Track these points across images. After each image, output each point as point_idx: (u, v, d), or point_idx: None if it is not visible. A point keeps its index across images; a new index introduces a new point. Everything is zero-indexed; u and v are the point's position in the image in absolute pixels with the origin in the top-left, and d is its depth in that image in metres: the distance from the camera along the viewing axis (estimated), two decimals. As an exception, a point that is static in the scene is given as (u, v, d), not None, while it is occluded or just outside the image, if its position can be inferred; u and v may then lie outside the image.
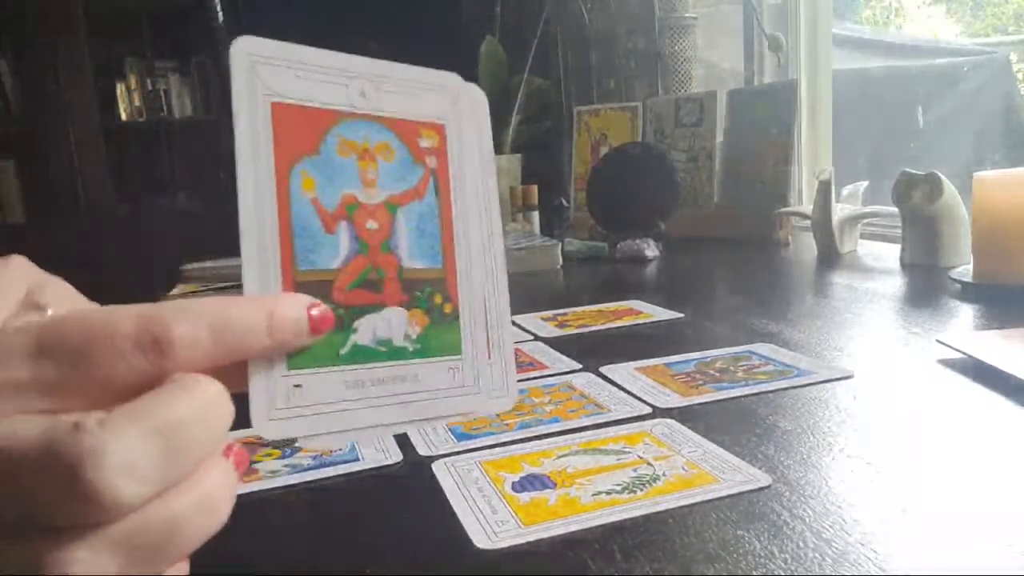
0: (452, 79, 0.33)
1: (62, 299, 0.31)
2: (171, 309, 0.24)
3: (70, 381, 0.23)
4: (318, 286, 0.28)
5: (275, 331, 0.26)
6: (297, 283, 0.28)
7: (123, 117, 3.12)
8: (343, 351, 0.29)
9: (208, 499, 0.24)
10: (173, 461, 0.22)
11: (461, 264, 0.33)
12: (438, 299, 0.32)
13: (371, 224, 0.30)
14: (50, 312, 0.28)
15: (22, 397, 0.22)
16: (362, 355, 0.29)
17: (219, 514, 0.24)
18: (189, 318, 0.24)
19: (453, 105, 0.33)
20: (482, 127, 0.34)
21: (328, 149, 0.29)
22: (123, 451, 0.21)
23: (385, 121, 0.31)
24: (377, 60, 0.31)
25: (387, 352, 0.30)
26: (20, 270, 0.33)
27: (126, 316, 0.23)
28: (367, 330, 0.30)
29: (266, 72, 0.28)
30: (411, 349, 0.31)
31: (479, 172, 0.34)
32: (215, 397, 0.24)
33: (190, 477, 0.23)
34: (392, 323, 0.30)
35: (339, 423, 0.29)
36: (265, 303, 0.26)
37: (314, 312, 0.27)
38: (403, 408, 0.30)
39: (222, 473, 0.24)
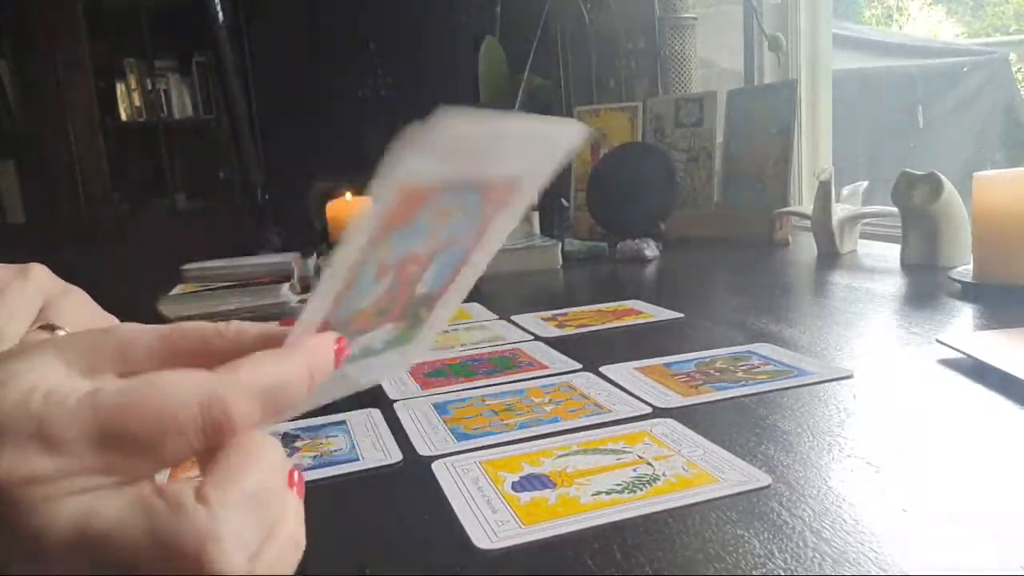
0: (575, 131, 0.30)
1: (77, 314, 0.31)
2: (229, 387, 0.24)
3: (138, 468, 0.23)
4: (342, 324, 0.28)
5: (312, 386, 0.27)
6: (332, 322, 0.28)
7: (123, 117, 3.13)
8: None
9: (291, 539, 0.25)
10: (265, 521, 0.24)
11: (456, 282, 0.33)
12: (424, 313, 0.32)
13: (412, 269, 0.30)
14: (62, 333, 0.28)
15: (87, 479, 0.22)
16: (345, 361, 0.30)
17: (301, 547, 0.26)
18: (247, 394, 0.24)
19: (548, 159, 0.30)
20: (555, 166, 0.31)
21: (418, 220, 0.27)
22: (234, 528, 0.23)
23: (478, 186, 0.29)
24: (540, 120, 0.28)
25: (362, 353, 0.31)
26: (38, 281, 0.33)
27: (187, 402, 0.23)
28: (358, 347, 0.30)
29: (414, 160, 0.25)
30: (382, 347, 0.32)
31: (522, 205, 0.32)
32: (273, 448, 0.25)
33: (274, 527, 0.25)
34: (379, 335, 0.31)
35: (314, 401, 0.29)
36: (306, 361, 0.27)
37: (336, 348, 0.28)
38: (361, 376, 0.31)
39: (295, 511, 0.26)
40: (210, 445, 0.24)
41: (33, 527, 0.21)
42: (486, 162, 0.28)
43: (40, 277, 0.33)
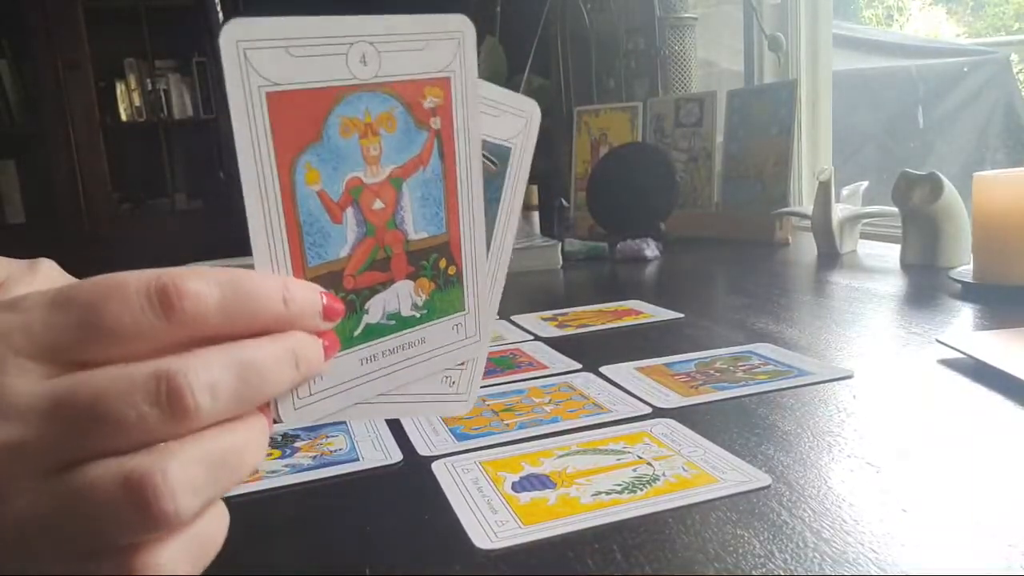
0: (457, 22, 0.31)
1: None
2: (183, 269, 0.25)
3: (83, 335, 0.24)
4: (329, 278, 0.29)
5: (290, 301, 0.26)
6: (308, 279, 0.28)
7: (123, 117, 3.12)
8: (356, 333, 0.30)
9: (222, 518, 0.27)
10: (219, 483, 0.25)
11: (464, 224, 0.32)
12: (443, 264, 0.32)
13: (377, 204, 0.30)
14: None
15: (33, 343, 0.24)
16: (374, 332, 0.30)
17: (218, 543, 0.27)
18: (201, 276, 0.25)
19: (458, 51, 0.31)
20: (472, 62, 0.32)
21: (330, 133, 0.28)
22: (190, 469, 0.24)
23: (387, 88, 0.29)
24: (377, 17, 0.29)
25: (396, 324, 0.31)
26: (47, 275, 0.33)
27: (138, 274, 0.24)
28: (377, 309, 0.30)
29: (259, 58, 0.26)
30: (418, 316, 0.32)
31: (476, 116, 0.32)
32: (257, 433, 0.26)
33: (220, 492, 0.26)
34: (400, 296, 0.31)
35: (356, 396, 0.29)
36: (280, 277, 0.27)
37: (326, 300, 0.28)
38: (411, 370, 0.31)
39: (218, 518, 0.26)
40: (158, 323, 0.24)
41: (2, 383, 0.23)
42: (366, 58, 0.28)
43: (49, 272, 0.34)
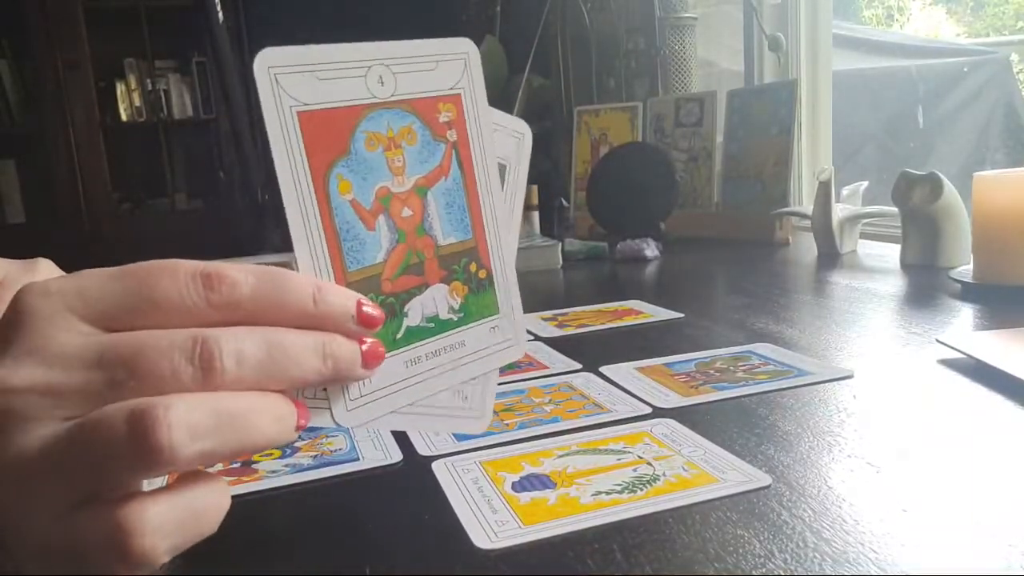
0: (463, 44, 0.34)
1: None
2: (229, 262, 0.28)
3: (134, 303, 0.26)
4: (369, 282, 0.31)
5: (320, 302, 0.28)
6: (349, 283, 0.30)
7: (123, 117, 3.12)
8: (398, 336, 0.32)
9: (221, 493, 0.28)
10: (223, 438, 0.26)
11: (489, 228, 0.35)
12: (473, 267, 0.35)
13: (406, 212, 0.32)
14: None
15: (87, 305, 0.26)
16: (415, 335, 0.32)
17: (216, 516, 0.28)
18: (242, 268, 0.27)
19: (465, 70, 0.34)
20: (479, 80, 0.35)
21: (357, 147, 0.31)
22: (191, 415, 0.25)
23: (404, 104, 0.32)
24: (388, 42, 0.32)
25: (435, 327, 0.33)
26: (44, 275, 0.34)
27: (189, 261, 0.27)
28: (416, 312, 0.32)
29: (288, 82, 0.29)
30: (455, 319, 0.34)
31: (488, 128, 0.35)
32: (272, 406, 0.28)
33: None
34: (436, 300, 0.33)
35: (405, 399, 0.32)
36: (314, 279, 0.29)
37: (365, 309, 0.29)
38: (454, 373, 0.34)
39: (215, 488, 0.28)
40: (199, 301, 0.26)
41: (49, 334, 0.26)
42: (383, 80, 0.32)
43: (47, 272, 0.34)
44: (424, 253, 0.33)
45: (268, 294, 0.27)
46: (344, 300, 0.29)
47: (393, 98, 0.32)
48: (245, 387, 0.26)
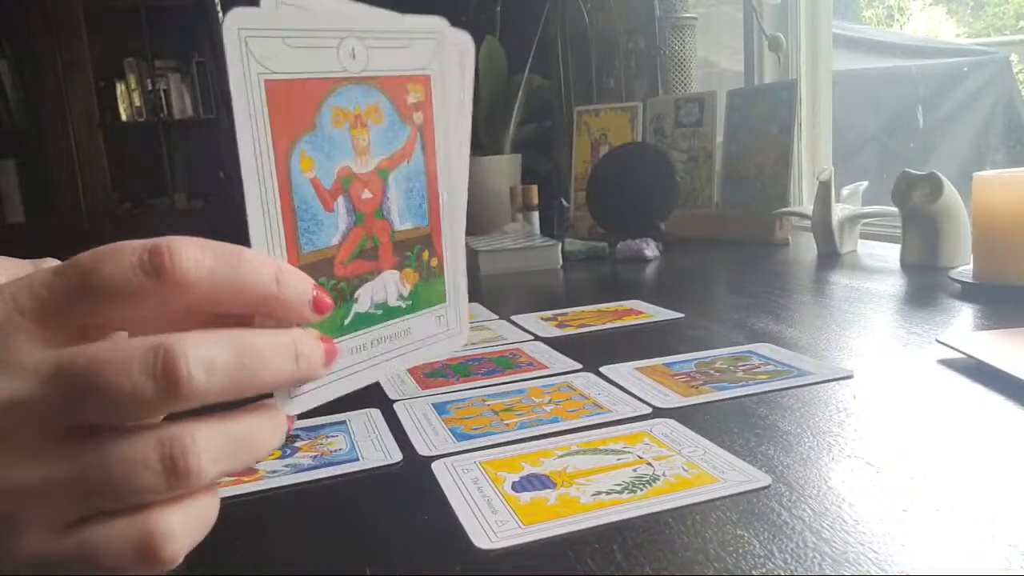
0: (438, 23, 0.33)
1: None
2: (184, 237, 0.25)
3: (79, 295, 0.25)
4: (322, 264, 0.29)
5: (282, 284, 0.27)
6: (302, 265, 0.29)
7: (123, 117, 3.12)
8: (347, 321, 0.31)
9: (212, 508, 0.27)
10: (235, 457, 0.26)
11: (444, 218, 0.34)
12: (426, 255, 0.34)
13: (366, 194, 0.31)
14: None
15: (37, 305, 0.25)
16: (363, 321, 0.31)
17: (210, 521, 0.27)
18: (198, 244, 0.25)
19: (438, 52, 0.33)
20: (466, 72, 0.34)
21: (323, 122, 0.29)
22: (210, 442, 0.25)
23: (374, 81, 0.31)
24: (367, 10, 0.30)
25: (383, 314, 0.32)
26: None
27: (139, 240, 0.25)
28: (366, 298, 0.31)
29: (258, 47, 0.27)
30: (404, 307, 0.33)
31: (457, 119, 0.34)
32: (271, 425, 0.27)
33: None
34: (387, 286, 0.32)
35: (350, 385, 0.30)
36: (275, 260, 0.27)
37: (318, 294, 0.28)
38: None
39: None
40: (147, 281, 0.24)
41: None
42: (355, 53, 0.30)
43: None
44: (380, 237, 0.31)
45: (227, 274, 0.25)
46: (303, 284, 0.27)
47: (364, 73, 0.30)
48: (214, 397, 0.25)
